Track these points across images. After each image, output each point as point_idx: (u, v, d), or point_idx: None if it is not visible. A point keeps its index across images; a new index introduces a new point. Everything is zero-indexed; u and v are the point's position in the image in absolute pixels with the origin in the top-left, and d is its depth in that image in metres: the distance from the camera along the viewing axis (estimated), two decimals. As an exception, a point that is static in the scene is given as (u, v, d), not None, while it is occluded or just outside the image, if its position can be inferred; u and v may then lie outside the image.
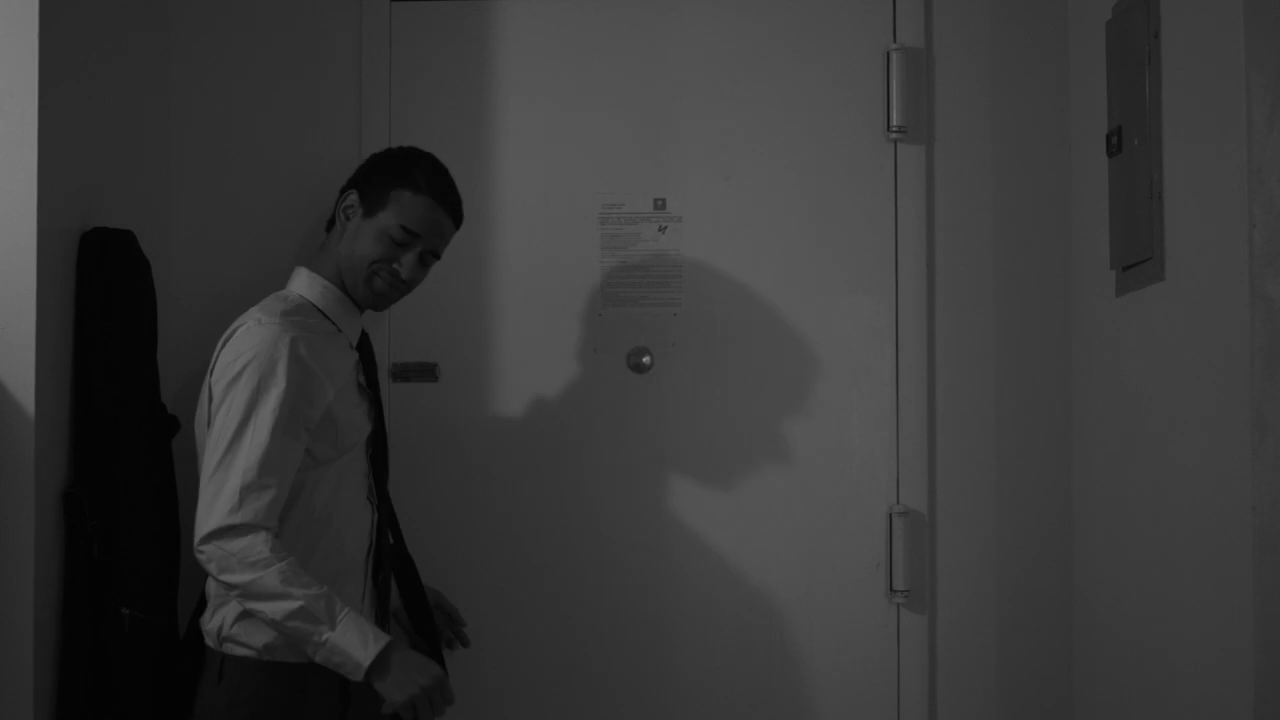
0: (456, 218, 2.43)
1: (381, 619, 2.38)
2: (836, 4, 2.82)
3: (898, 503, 2.76)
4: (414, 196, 2.35)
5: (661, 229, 2.83)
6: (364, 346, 2.48)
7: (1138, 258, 2.33)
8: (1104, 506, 2.57)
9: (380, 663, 2.16)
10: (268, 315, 2.27)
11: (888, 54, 2.80)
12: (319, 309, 2.38)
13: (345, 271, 2.37)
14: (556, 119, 2.86)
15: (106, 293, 2.40)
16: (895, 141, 2.79)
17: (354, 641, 2.15)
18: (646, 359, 2.82)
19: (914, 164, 2.79)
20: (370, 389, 2.44)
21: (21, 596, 2.21)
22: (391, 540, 2.49)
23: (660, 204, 2.84)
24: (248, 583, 2.13)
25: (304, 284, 2.40)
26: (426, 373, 2.84)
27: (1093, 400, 2.64)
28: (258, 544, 2.14)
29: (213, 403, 2.25)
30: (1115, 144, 2.42)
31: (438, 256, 2.42)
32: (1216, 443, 2.01)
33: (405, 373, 2.84)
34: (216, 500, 2.16)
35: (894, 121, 2.78)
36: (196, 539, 2.17)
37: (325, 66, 2.88)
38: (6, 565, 2.21)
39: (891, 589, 2.75)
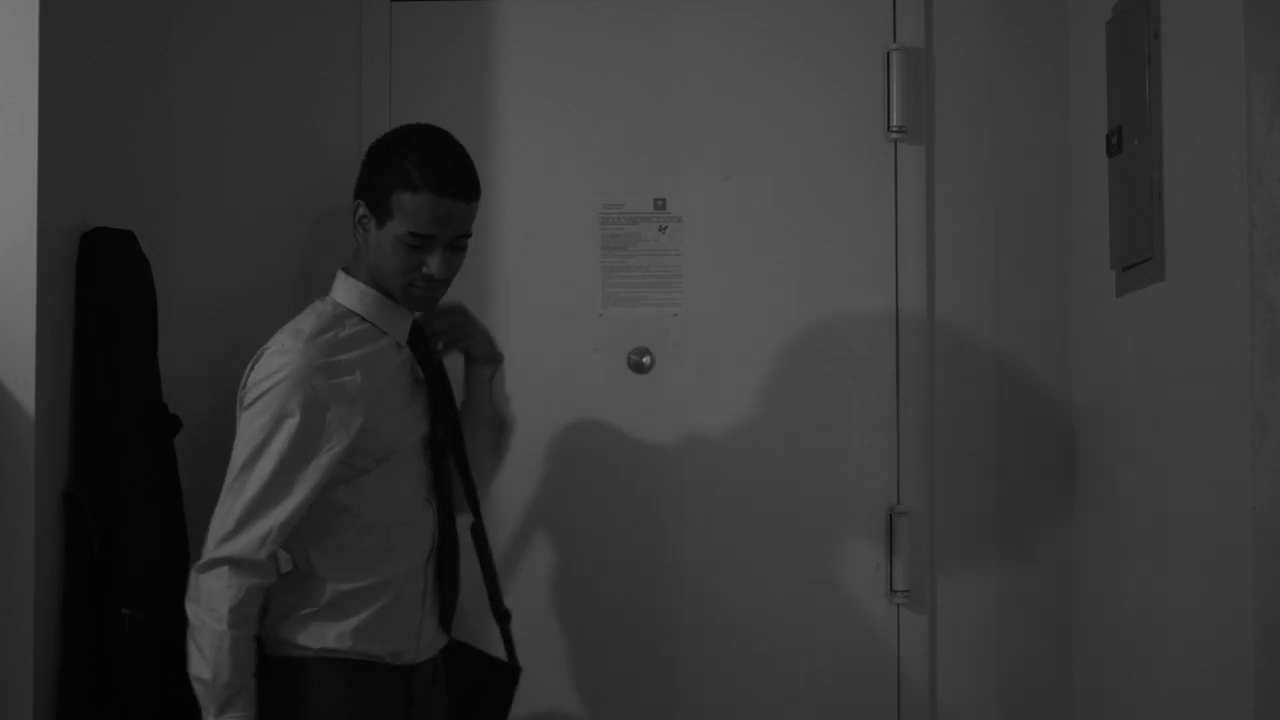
0: (466, 196, 2.23)
1: (445, 619, 2.33)
2: (836, 4, 2.82)
3: (898, 503, 2.76)
4: (413, 197, 2.19)
5: (661, 229, 2.83)
6: (418, 339, 2.35)
7: (1138, 258, 2.33)
8: (1104, 506, 2.57)
9: None
10: (293, 339, 2.20)
11: (888, 54, 2.80)
12: (359, 314, 2.28)
13: (382, 281, 2.27)
14: (557, 119, 2.86)
15: (106, 293, 2.40)
16: (895, 141, 2.79)
17: None
18: (646, 359, 2.82)
19: (914, 164, 2.79)
20: (429, 382, 2.33)
21: (22, 596, 2.21)
22: (471, 522, 2.43)
23: (660, 204, 2.84)
24: (195, 625, 2.11)
25: (342, 290, 2.30)
26: (426, 373, 2.83)
27: (1093, 400, 2.64)
28: (227, 591, 2.10)
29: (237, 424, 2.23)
30: (1115, 144, 2.42)
31: (466, 237, 2.26)
32: (1216, 443, 2.01)
33: (405, 373, 2.84)
34: (216, 529, 2.14)
35: (894, 121, 2.78)
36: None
37: (325, 66, 2.88)
38: (7, 565, 2.21)
39: (891, 589, 2.75)
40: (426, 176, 2.19)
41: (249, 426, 2.16)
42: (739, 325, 2.81)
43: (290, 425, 2.13)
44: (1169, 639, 2.22)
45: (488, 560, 2.45)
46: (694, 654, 2.79)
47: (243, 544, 2.11)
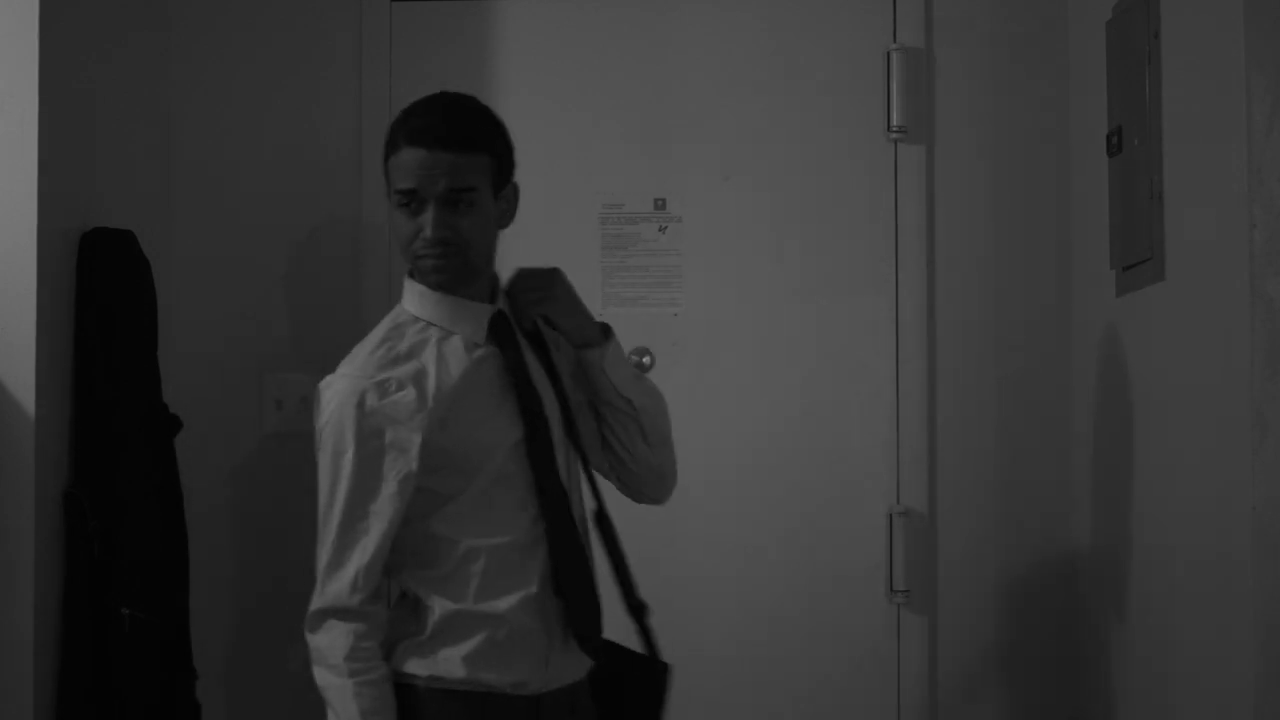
0: (446, 144, 2.02)
1: (585, 642, 2.08)
2: (836, 4, 2.82)
3: (898, 503, 2.76)
4: (396, 158, 2.03)
5: (661, 229, 2.83)
6: (503, 333, 2.10)
7: (1138, 258, 2.33)
8: (1104, 506, 2.57)
9: None
10: (346, 364, 2.06)
11: (888, 54, 2.80)
12: (423, 318, 2.08)
13: (407, 260, 2.09)
14: (557, 119, 2.85)
15: (106, 293, 2.40)
16: (895, 141, 2.79)
17: None
18: (647, 359, 2.82)
19: (914, 164, 2.79)
20: (513, 373, 2.07)
21: (22, 596, 2.21)
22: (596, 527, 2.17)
23: (660, 204, 2.84)
24: (322, 687, 1.98)
25: (407, 294, 2.12)
26: (426, 373, 2.83)
27: (1093, 400, 2.64)
28: (337, 642, 1.97)
29: None
30: (1115, 144, 2.42)
31: (460, 192, 2.02)
32: (1216, 443, 2.01)
33: (405, 373, 2.83)
34: (317, 582, 2.02)
35: (894, 121, 2.78)
36: None
37: (325, 66, 2.88)
38: (7, 565, 2.21)
39: (892, 589, 2.75)
40: (406, 133, 2.04)
41: (319, 470, 2.03)
42: (739, 325, 2.81)
43: (349, 460, 1.99)
44: (1169, 639, 2.22)
45: (615, 549, 2.20)
46: (693, 654, 2.79)
47: (333, 594, 1.99)
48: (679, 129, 2.84)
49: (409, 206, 2.02)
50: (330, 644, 1.97)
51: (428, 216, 2.01)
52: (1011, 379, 2.77)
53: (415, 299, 2.09)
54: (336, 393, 2.01)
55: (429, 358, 2.04)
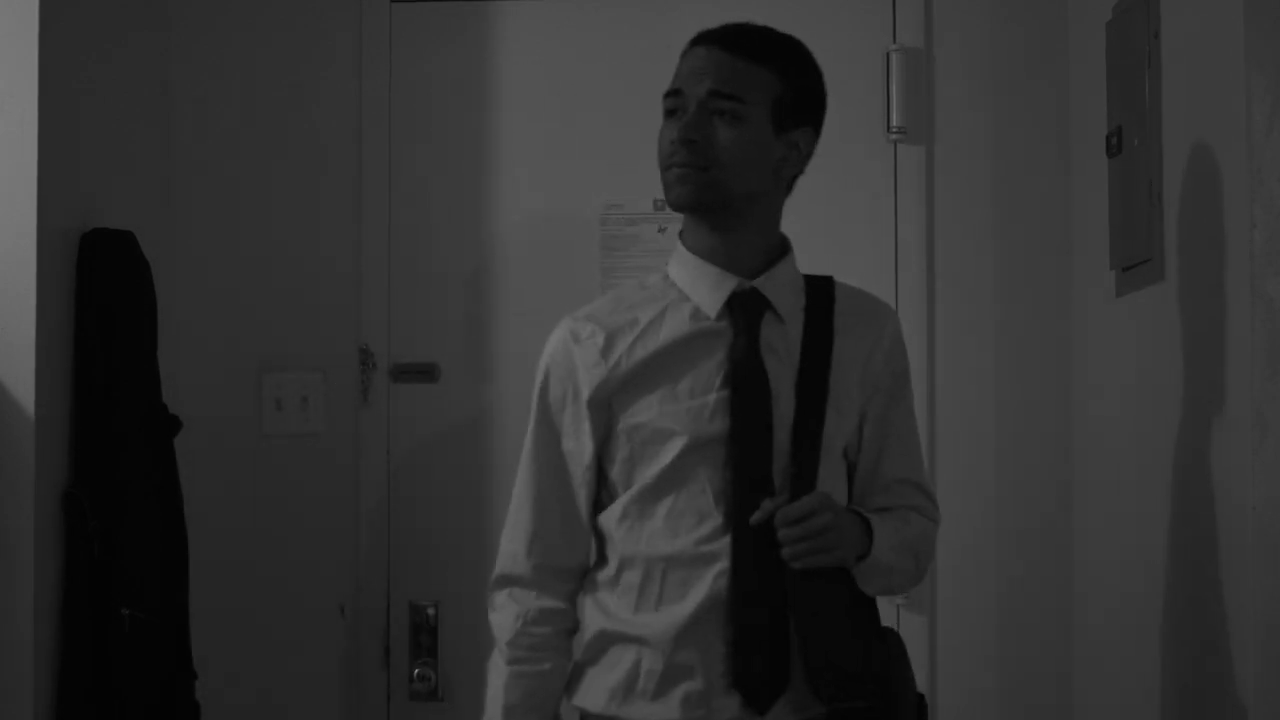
0: (726, 44, 1.81)
1: (755, 697, 1.74)
2: (836, 4, 2.82)
3: (898, 503, 2.76)
4: (678, 65, 1.85)
5: (661, 229, 2.83)
6: (749, 312, 1.81)
7: (1138, 258, 2.33)
8: (1104, 506, 2.57)
9: None
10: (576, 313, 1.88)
11: (888, 54, 2.80)
12: (673, 279, 1.86)
13: (665, 187, 1.83)
14: (556, 119, 2.86)
15: (106, 293, 2.40)
16: (895, 142, 2.79)
17: None
18: (646, 359, 2.82)
19: (914, 164, 2.79)
20: (731, 359, 1.78)
21: (22, 597, 2.21)
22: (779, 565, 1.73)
23: (660, 204, 2.84)
24: (491, 663, 1.86)
25: (673, 258, 1.89)
26: (426, 373, 2.84)
27: (1093, 400, 2.64)
28: (508, 616, 1.82)
29: None
30: (1115, 144, 2.42)
31: (725, 98, 1.77)
32: (1216, 443, 2.01)
33: (405, 373, 2.84)
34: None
35: (894, 122, 2.78)
36: None
37: (325, 66, 2.88)
38: (6, 565, 2.21)
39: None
40: (694, 36, 1.85)
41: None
42: (739, 325, 2.81)
43: (535, 404, 1.85)
44: (1169, 639, 2.22)
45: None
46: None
47: (506, 556, 1.84)
48: (679, 129, 2.84)
49: (671, 114, 1.80)
50: (499, 623, 1.83)
51: (682, 120, 1.78)
52: (1011, 380, 2.77)
53: (674, 258, 1.87)
54: (551, 339, 1.86)
55: (647, 315, 1.82)
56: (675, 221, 2.85)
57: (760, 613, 1.73)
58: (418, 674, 2.79)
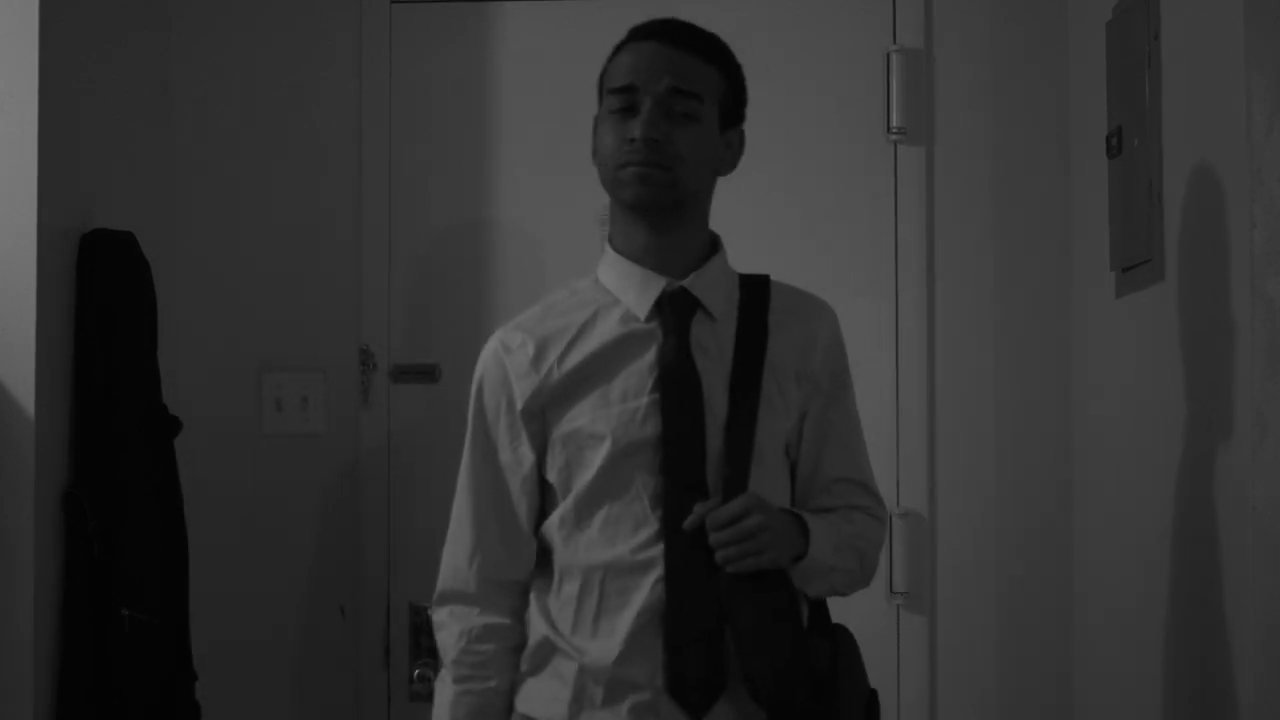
0: (675, 40, 1.79)
1: (694, 708, 1.70)
2: (836, 5, 2.82)
3: (897, 504, 2.76)
4: (617, 58, 1.81)
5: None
6: (678, 312, 1.78)
7: (1138, 259, 2.33)
8: (1104, 506, 2.57)
9: None
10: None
11: (888, 55, 2.80)
12: (604, 282, 1.86)
13: (609, 193, 1.82)
14: (557, 120, 2.85)
15: (107, 293, 2.40)
16: (895, 143, 2.79)
17: None
18: (646, 359, 2.82)
19: (914, 165, 2.79)
20: (661, 362, 1.74)
21: (22, 597, 2.21)
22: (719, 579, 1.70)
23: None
24: (439, 680, 1.83)
25: (602, 261, 1.89)
26: (426, 373, 2.84)
27: (1093, 400, 2.64)
28: (451, 635, 1.80)
29: None
30: (1115, 145, 2.42)
31: (684, 95, 1.76)
32: (1216, 443, 2.01)
33: (405, 373, 2.84)
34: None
35: (894, 123, 2.78)
36: None
37: (325, 66, 2.88)
38: (6, 565, 2.21)
39: (891, 590, 2.75)
40: (631, 32, 1.82)
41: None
42: (739, 326, 2.81)
43: (470, 417, 1.83)
44: (1169, 639, 2.22)
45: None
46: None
47: (449, 572, 1.81)
48: (679, 130, 2.84)
49: (622, 111, 1.76)
50: (443, 642, 1.80)
51: (641, 118, 1.74)
52: (1011, 380, 2.77)
53: (603, 261, 1.86)
54: (485, 347, 1.85)
55: (576, 321, 1.81)
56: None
57: (695, 618, 1.70)
58: (418, 674, 2.79)
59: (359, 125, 2.86)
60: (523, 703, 1.80)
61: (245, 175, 2.87)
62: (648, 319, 1.79)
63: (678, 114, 1.76)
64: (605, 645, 1.72)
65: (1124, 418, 2.45)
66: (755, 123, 2.83)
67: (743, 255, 2.83)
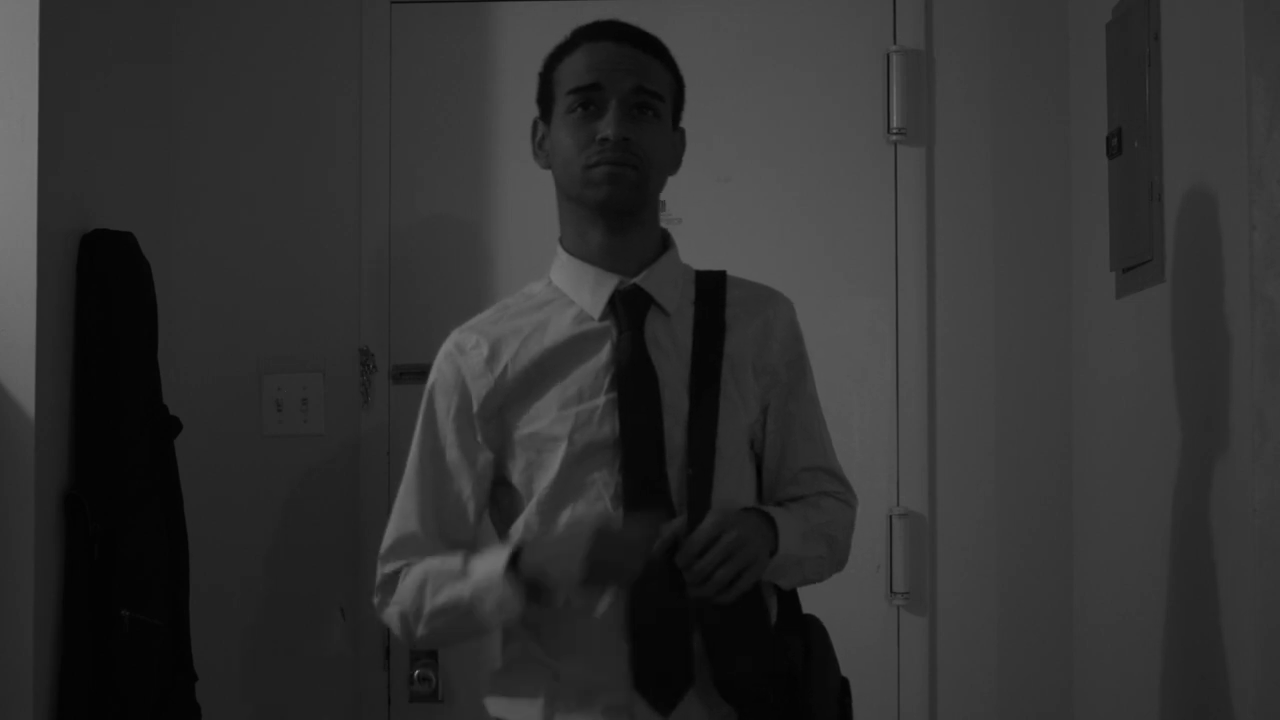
0: (634, 40, 1.79)
1: (660, 702, 1.72)
2: (836, 6, 2.82)
3: (897, 504, 2.76)
4: (570, 59, 1.79)
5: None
6: (633, 310, 1.78)
7: (1138, 259, 2.33)
8: (1104, 507, 2.57)
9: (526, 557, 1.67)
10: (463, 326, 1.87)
11: (888, 56, 2.80)
12: (556, 283, 1.85)
13: (569, 197, 1.80)
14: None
15: (106, 294, 2.40)
16: (895, 143, 2.79)
17: (487, 566, 1.69)
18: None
19: (914, 166, 2.79)
20: (618, 362, 1.74)
21: (22, 598, 2.21)
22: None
23: (660, 205, 2.83)
24: (395, 624, 1.79)
25: (554, 262, 1.88)
26: (426, 373, 2.81)
27: (1093, 401, 2.64)
28: (409, 588, 1.77)
29: None
30: (1115, 146, 2.42)
31: (651, 94, 1.77)
32: (1217, 444, 2.01)
33: (405, 374, 2.84)
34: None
35: (894, 123, 2.78)
36: None
37: (325, 67, 2.88)
38: (7, 567, 2.21)
39: (891, 591, 2.75)
40: (582, 33, 1.81)
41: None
42: (739, 326, 2.81)
43: (420, 423, 1.83)
44: (1169, 639, 2.22)
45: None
46: (694, 655, 2.79)
47: (381, 555, 1.81)
48: (679, 130, 2.84)
49: (584, 109, 1.74)
50: (401, 603, 1.75)
51: (609, 117, 1.73)
52: (1011, 380, 2.77)
53: (555, 263, 1.85)
54: (441, 349, 1.85)
55: (530, 322, 1.80)
56: (675, 223, 2.87)
57: (658, 617, 1.71)
58: (418, 675, 2.79)
59: (359, 125, 2.85)
60: (498, 708, 1.80)
61: (245, 175, 2.87)
62: (601, 318, 1.78)
63: (642, 112, 1.76)
64: (574, 646, 1.73)
65: (1124, 418, 2.45)
66: (756, 123, 2.85)
67: (743, 255, 2.84)
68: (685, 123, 2.82)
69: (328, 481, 2.84)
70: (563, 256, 1.85)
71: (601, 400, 1.74)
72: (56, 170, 2.31)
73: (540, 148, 1.86)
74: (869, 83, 2.80)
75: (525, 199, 2.86)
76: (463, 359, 1.81)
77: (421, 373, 2.84)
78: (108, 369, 2.38)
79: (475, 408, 1.79)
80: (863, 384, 2.79)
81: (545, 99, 1.84)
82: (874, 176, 2.79)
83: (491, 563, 1.68)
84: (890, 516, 2.76)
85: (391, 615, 1.79)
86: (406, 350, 2.84)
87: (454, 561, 1.73)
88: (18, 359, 2.23)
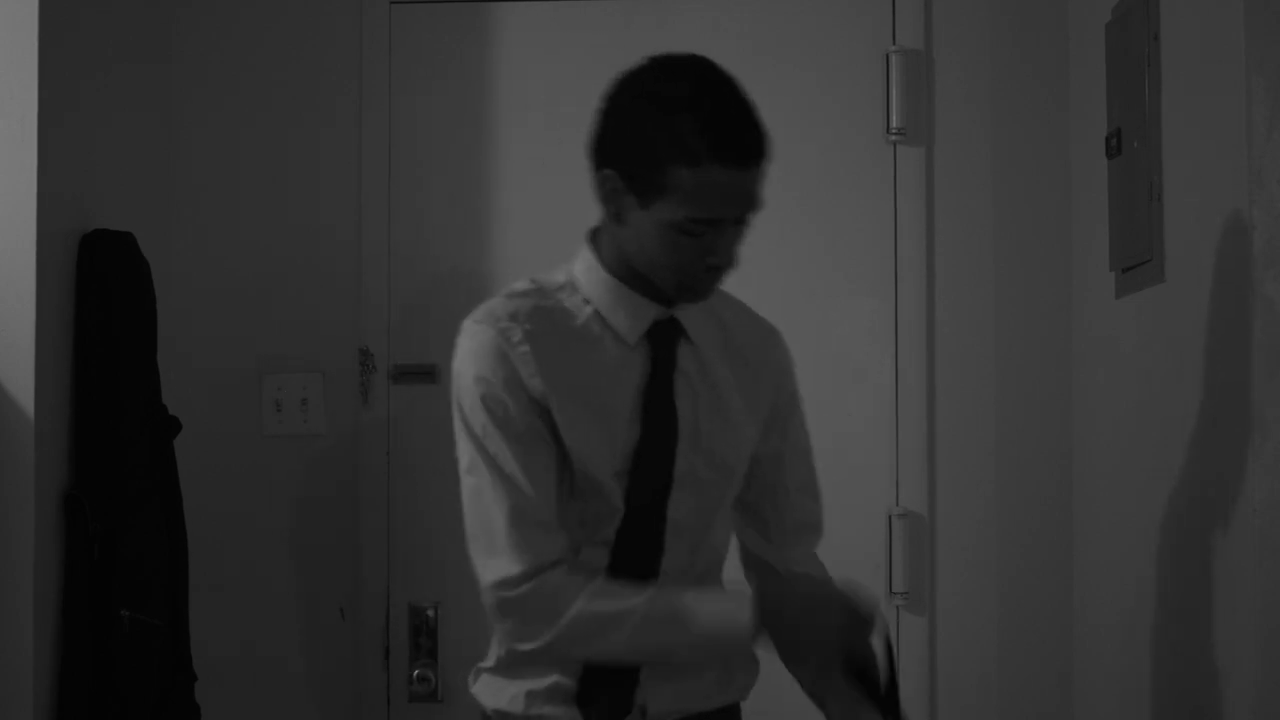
0: (758, 159, 1.73)
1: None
2: (836, 6, 2.82)
3: (897, 505, 2.76)
4: (693, 173, 1.67)
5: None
6: (665, 341, 1.80)
7: (1138, 259, 2.33)
8: (1104, 507, 2.57)
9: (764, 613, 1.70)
10: (484, 310, 1.84)
11: (887, 56, 2.80)
12: (584, 293, 1.82)
13: (647, 273, 1.77)
14: (556, 119, 2.85)
15: (106, 294, 2.40)
16: (895, 143, 2.79)
17: (718, 604, 1.72)
18: (646, 360, 2.82)
19: (913, 166, 2.79)
20: (646, 391, 1.77)
21: (22, 598, 2.21)
22: None
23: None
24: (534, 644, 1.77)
25: (581, 266, 1.84)
26: (426, 374, 2.83)
27: (1093, 401, 2.64)
28: (560, 595, 1.74)
29: None
30: (1115, 146, 2.42)
31: (756, 209, 1.77)
32: (1216, 444, 2.01)
33: (405, 374, 2.84)
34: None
35: (893, 123, 2.78)
36: None
37: (325, 67, 2.88)
38: (7, 567, 2.21)
39: (891, 591, 2.75)
40: (713, 144, 1.67)
41: (458, 442, 1.81)
42: (739, 326, 2.81)
43: (480, 421, 1.77)
44: (1169, 639, 2.22)
45: None
46: (694, 655, 2.79)
47: (499, 562, 1.83)
48: (679, 130, 2.84)
49: (695, 234, 1.71)
50: (547, 600, 1.72)
51: (723, 244, 1.73)
52: (1011, 380, 2.77)
53: (586, 271, 1.82)
54: (475, 339, 1.80)
55: (563, 328, 1.78)
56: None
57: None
58: (418, 675, 2.79)
59: (359, 125, 2.86)
60: (491, 699, 1.84)
61: (245, 176, 2.87)
62: (635, 346, 1.79)
63: (746, 222, 1.78)
64: (537, 677, 1.80)
65: (1124, 418, 2.45)
66: (755, 123, 2.85)
67: (742, 255, 2.84)
68: (685, 123, 2.86)
69: (328, 482, 2.84)
70: (600, 271, 1.82)
71: (624, 421, 1.76)
72: (56, 170, 2.31)
73: (615, 208, 1.80)
74: (868, 83, 2.80)
75: (525, 199, 2.86)
76: (513, 351, 1.76)
77: (421, 372, 2.87)
78: (107, 369, 2.38)
79: (533, 396, 1.74)
80: (862, 384, 2.79)
81: (641, 170, 1.74)
82: (874, 176, 2.79)
83: (729, 617, 1.71)
84: (890, 517, 2.76)
85: (533, 634, 1.75)
86: (406, 350, 2.84)
87: (660, 606, 1.71)
88: (18, 359, 2.24)
